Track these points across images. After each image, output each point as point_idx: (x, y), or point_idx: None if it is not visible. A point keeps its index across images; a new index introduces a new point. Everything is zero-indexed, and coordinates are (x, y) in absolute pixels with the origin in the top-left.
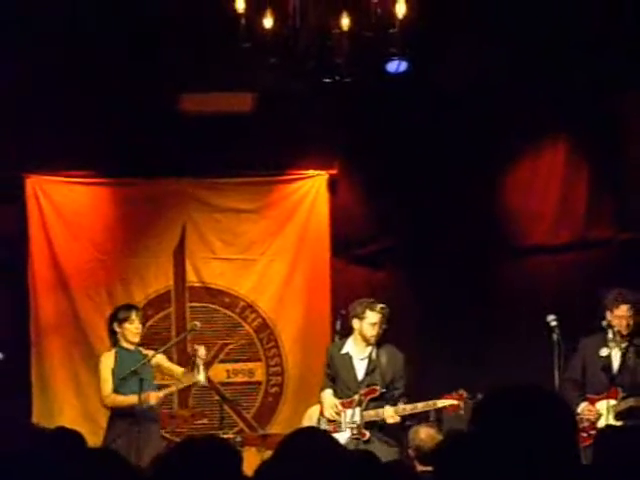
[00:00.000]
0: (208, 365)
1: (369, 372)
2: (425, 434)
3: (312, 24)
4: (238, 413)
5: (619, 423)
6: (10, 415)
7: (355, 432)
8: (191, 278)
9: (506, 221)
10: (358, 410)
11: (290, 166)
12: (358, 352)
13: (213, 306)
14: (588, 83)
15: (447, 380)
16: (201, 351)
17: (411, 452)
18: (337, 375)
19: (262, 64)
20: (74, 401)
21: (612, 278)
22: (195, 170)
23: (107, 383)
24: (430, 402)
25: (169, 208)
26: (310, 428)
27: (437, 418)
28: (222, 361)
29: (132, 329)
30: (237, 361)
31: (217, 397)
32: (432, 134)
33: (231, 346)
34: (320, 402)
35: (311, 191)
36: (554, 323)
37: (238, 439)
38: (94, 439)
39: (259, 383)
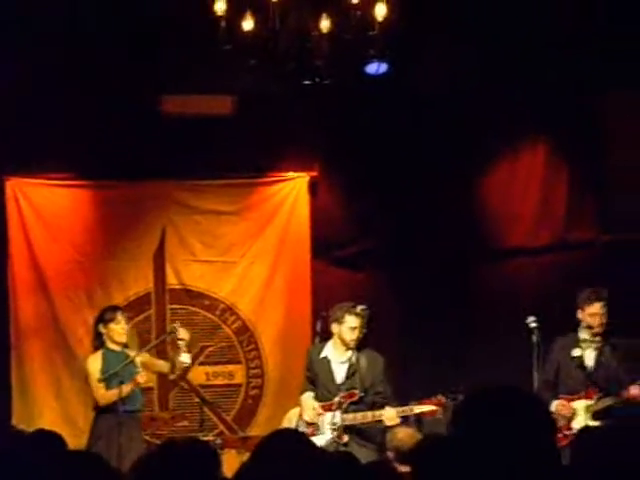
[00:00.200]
0: (194, 362)
1: (349, 376)
2: (404, 434)
3: (292, 26)
4: (218, 415)
5: (596, 423)
6: None
7: (336, 434)
8: (171, 280)
9: (486, 223)
10: (339, 413)
11: (270, 168)
12: (337, 356)
13: (193, 308)
14: (567, 84)
15: (427, 381)
16: (182, 332)
17: (390, 453)
18: (316, 379)
19: (242, 66)
20: (54, 404)
21: (593, 280)
22: (175, 172)
23: (97, 385)
24: (407, 407)
25: (149, 210)
26: (287, 430)
27: (417, 419)
28: (202, 363)
29: (118, 329)
30: (217, 363)
31: (197, 399)
32: (412, 136)
33: (211, 348)
34: (300, 405)
35: (291, 193)
36: (534, 325)
37: (218, 441)
38: (74, 441)
39: (239, 385)
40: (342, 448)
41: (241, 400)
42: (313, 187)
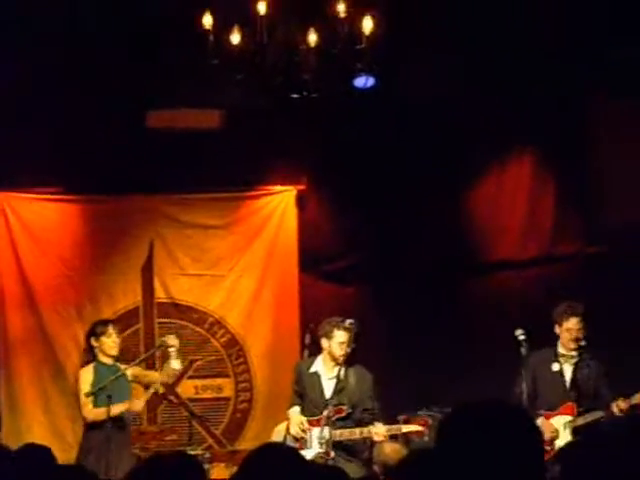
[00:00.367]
0: (181, 376)
1: (337, 392)
2: (390, 449)
3: (279, 40)
4: (207, 429)
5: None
6: None
7: (324, 448)
8: (159, 294)
9: (473, 236)
10: (327, 427)
11: (258, 182)
12: (327, 371)
13: (182, 322)
14: (553, 96)
15: (415, 395)
16: (171, 339)
17: (377, 468)
18: (305, 393)
19: (230, 80)
20: (42, 418)
21: (578, 292)
22: (163, 186)
23: (86, 400)
24: (395, 427)
25: (137, 224)
26: (275, 443)
27: (403, 434)
28: (191, 377)
29: (109, 342)
30: (206, 377)
31: (186, 413)
32: (399, 150)
33: (200, 362)
34: (287, 419)
35: (279, 207)
36: (522, 337)
37: (207, 455)
38: (63, 456)
39: (228, 399)
40: (330, 463)
41: (230, 414)
42: (301, 201)
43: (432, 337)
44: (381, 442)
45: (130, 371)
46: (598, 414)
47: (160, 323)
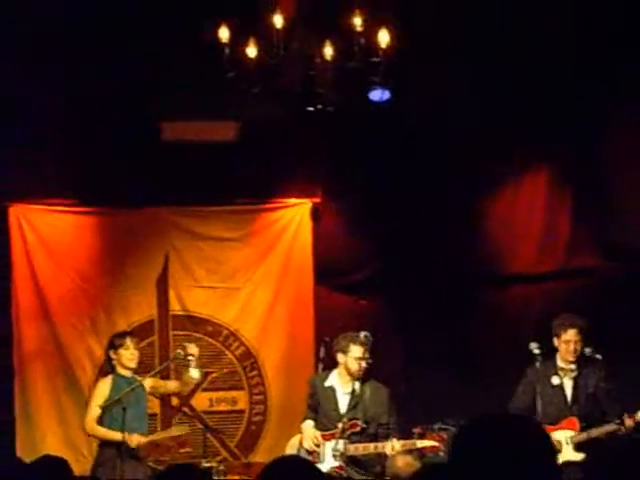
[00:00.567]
0: (197, 386)
1: (351, 407)
2: (403, 462)
3: (296, 53)
4: (221, 442)
5: (580, 455)
6: None
7: (337, 462)
8: (174, 307)
9: (489, 250)
10: (341, 442)
11: (273, 195)
12: (342, 386)
13: (196, 334)
14: (570, 110)
15: (430, 408)
16: (191, 348)
17: None
18: (319, 407)
19: (246, 93)
20: (56, 429)
21: (594, 307)
22: (178, 199)
23: (92, 410)
24: (410, 442)
25: (152, 237)
26: (292, 456)
27: (418, 448)
28: (205, 389)
29: (127, 355)
30: (220, 389)
31: (200, 425)
32: (414, 163)
33: (214, 374)
34: (301, 432)
35: (294, 219)
36: (537, 351)
37: (221, 468)
38: (77, 467)
39: (242, 411)
40: (343, 477)
41: (244, 426)
42: (316, 213)
43: (447, 350)
44: (394, 455)
45: (148, 383)
46: (602, 429)
47: (175, 335)
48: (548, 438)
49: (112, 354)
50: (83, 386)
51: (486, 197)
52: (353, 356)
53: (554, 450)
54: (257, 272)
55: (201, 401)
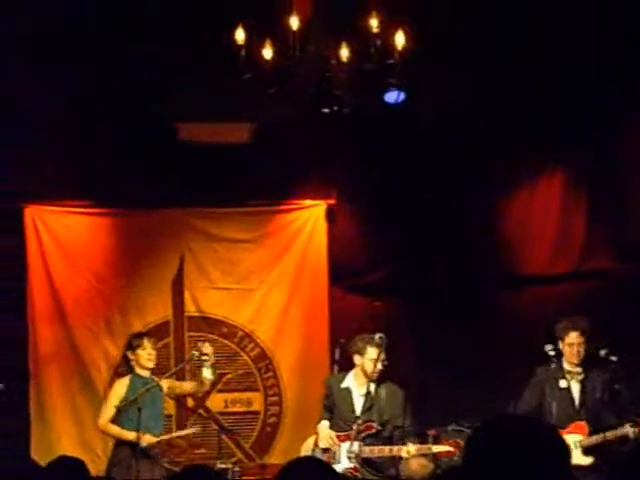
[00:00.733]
0: (213, 387)
1: (367, 409)
2: (416, 464)
3: (311, 55)
4: (236, 443)
5: (588, 459)
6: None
7: (352, 464)
8: (189, 308)
9: (503, 251)
10: (356, 443)
11: (288, 196)
12: (358, 387)
13: (211, 336)
14: (585, 112)
15: (444, 409)
16: (205, 347)
17: None
18: (335, 408)
19: (261, 94)
20: (71, 430)
21: (608, 309)
22: (194, 200)
23: (108, 409)
24: (425, 446)
25: (167, 238)
26: (308, 458)
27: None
28: (220, 391)
29: (145, 355)
30: (235, 391)
31: (215, 427)
32: (429, 165)
33: (229, 376)
34: (316, 433)
35: (309, 221)
36: (551, 353)
37: (236, 469)
38: (92, 467)
39: (257, 413)
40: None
41: (259, 428)
42: (330, 215)
43: (462, 351)
44: (408, 457)
45: (165, 385)
46: (613, 433)
47: (190, 337)
48: (562, 441)
49: (130, 355)
50: (98, 387)
51: (501, 199)
52: (369, 358)
53: (568, 453)
54: (272, 273)
55: (216, 402)
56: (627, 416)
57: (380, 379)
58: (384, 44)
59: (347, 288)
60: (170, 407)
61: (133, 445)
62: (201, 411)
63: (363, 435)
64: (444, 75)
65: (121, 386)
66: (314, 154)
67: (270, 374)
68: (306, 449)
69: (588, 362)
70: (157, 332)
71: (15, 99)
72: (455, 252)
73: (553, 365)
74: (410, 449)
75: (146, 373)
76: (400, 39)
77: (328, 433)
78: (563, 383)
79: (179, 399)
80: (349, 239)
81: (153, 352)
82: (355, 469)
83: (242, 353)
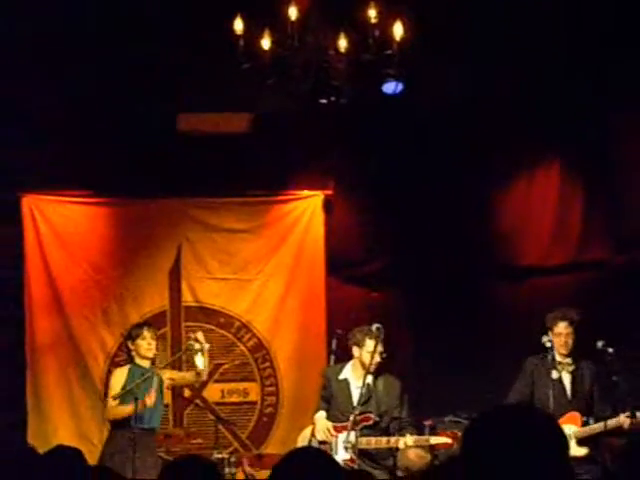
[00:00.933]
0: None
1: (365, 400)
2: (414, 454)
3: (310, 45)
4: (233, 433)
5: (583, 449)
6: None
7: (349, 454)
8: (187, 298)
9: (501, 242)
10: (353, 434)
11: (286, 186)
12: (356, 379)
13: (208, 326)
14: (581, 104)
15: (441, 400)
16: (198, 336)
17: (400, 473)
18: (332, 399)
19: (259, 85)
20: (68, 421)
21: (606, 300)
22: (191, 190)
23: (110, 401)
24: (423, 438)
25: (165, 228)
26: (309, 448)
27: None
28: (217, 381)
29: (144, 345)
30: (232, 381)
31: (212, 417)
32: (427, 155)
33: (226, 366)
34: (313, 423)
35: (307, 211)
36: (549, 344)
37: (233, 459)
38: (89, 458)
39: (254, 403)
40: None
41: (256, 418)
42: (328, 205)
43: (459, 342)
44: (406, 448)
45: (166, 375)
46: (605, 425)
47: (187, 327)
48: (561, 431)
49: (130, 345)
50: (95, 377)
51: (498, 190)
52: (368, 350)
53: (567, 443)
54: (269, 264)
55: (213, 392)
56: (623, 408)
57: (378, 371)
58: (382, 35)
59: (344, 279)
60: (167, 397)
61: (129, 435)
62: (198, 401)
63: (360, 426)
64: (442, 66)
65: (120, 376)
66: (312, 144)
67: (267, 364)
68: (303, 439)
69: (579, 353)
70: (154, 322)
71: (15, 99)
72: (453, 243)
73: (545, 356)
74: (407, 440)
75: (146, 363)
76: (398, 30)
77: (325, 424)
78: (554, 374)
79: (175, 389)
80: (346, 230)
81: (153, 342)
82: (352, 460)
83: (239, 343)
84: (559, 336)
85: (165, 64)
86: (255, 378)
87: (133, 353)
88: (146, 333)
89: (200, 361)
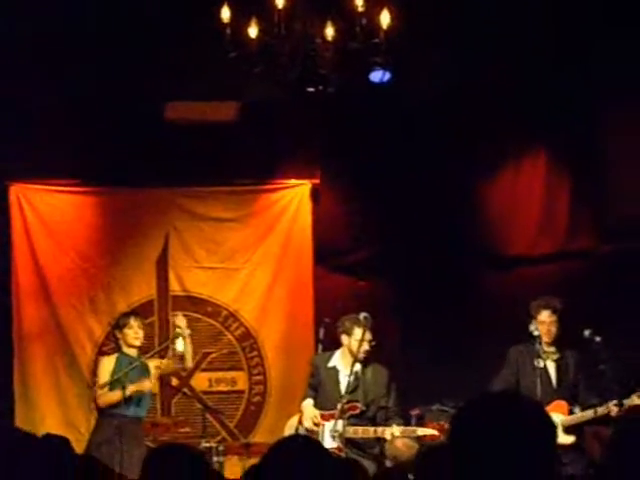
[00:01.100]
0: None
1: (352, 389)
2: (402, 444)
3: (297, 34)
4: (220, 422)
5: (570, 438)
6: None
7: (337, 442)
8: (174, 287)
9: (488, 232)
10: (340, 422)
11: (273, 175)
12: (345, 367)
13: (196, 315)
14: (568, 94)
15: (428, 389)
16: (178, 319)
17: (388, 463)
18: (320, 387)
19: (247, 73)
20: (56, 409)
21: (592, 289)
22: (179, 179)
23: (99, 390)
24: (410, 428)
25: (152, 217)
26: (298, 436)
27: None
28: (204, 370)
29: (131, 334)
30: (219, 370)
31: (199, 405)
32: (415, 145)
33: (214, 355)
34: (300, 411)
35: (294, 200)
36: (537, 333)
37: (220, 448)
38: (76, 446)
39: (242, 392)
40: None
41: (243, 407)
42: (315, 194)
43: (446, 331)
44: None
45: (154, 363)
46: (592, 413)
47: (174, 316)
48: (549, 417)
49: (117, 333)
50: (82, 366)
51: (485, 179)
52: (357, 338)
53: (555, 430)
54: (256, 253)
55: (200, 381)
56: (611, 396)
57: (367, 360)
58: (369, 23)
59: (331, 268)
60: (154, 386)
61: (116, 424)
62: (185, 390)
63: (347, 415)
64: (429, 55)
65: (108, 364)
66: (299, 133)
67: (254, 353)
68: (290, 428)
69: (566, 342)
70: (142, 311)
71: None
72: (439, 232)
73: (532, 344)
74: (394, 431)
75: (133, 352)
76: (385, 18)
77: (312, 411)
78: (540, 362)
79: (163, 378)
80: (333, 218)
81: (140, 331)
82: (339, 448)
83: (226, 332)
84: (542, 324)
85: (152, 52)
86: (243, 367)
87: (120, 342)
88: (133, 322)
89: (180, 344)
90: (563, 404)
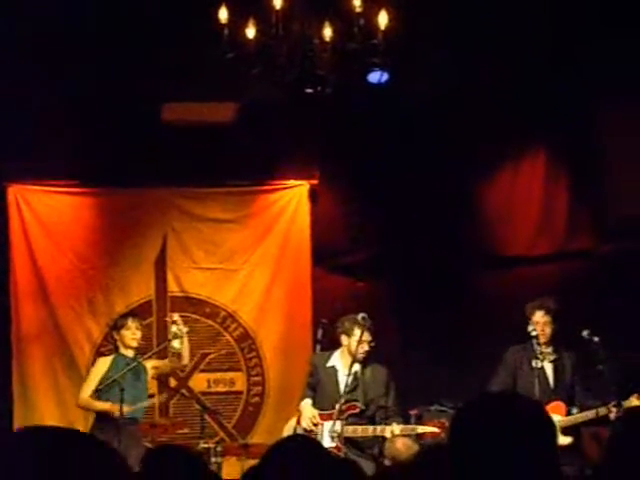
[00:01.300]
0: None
1: (351, 389)
2: (401, 444)
3: (294, 34)
4: (219, 422)
5: (567, 439)
6: None
7: (335, 442)
8: (172, 288)
9: (486, 232)
10: (339, 422)
11: (271, 176)
12: (344, 367)
13: (194, 316)
14: (566, 93)
15: (427, 389)
16: (174, 316)
17: (387, 462)
18: (319, 387)
19: (244, 74)
20: (54, 410)
21: (591, 289)
22: (177, 180)
23: (88, 386)
24: (410, 427)
25: (151, 217)
26: (299, 436)
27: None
28: (203, 370)
29: (128, 335)
30: (218, 370)
31: (198, 406)
32: (413, 146)
33: (212, 356)
34: (299, 411)
35: (292, 201)
36: (535, 333)
37: (219, 448)
38: None
39: (240, 393)
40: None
41: (242, 407)
42: (313, 195)
43: (445, 332)
44: (392, 437)
45: (150, 364)
46: (590, 414)
47: (170, 317)
48: (549, 417)
49: (115, 334)
50: (81, 367)
51: (484, 180)
52: (356, 339)
53: (555, 430)
54: (255, 254)
55: (199, 382)
56: (609, 397)
57: (366, 360)
58: (367, 24)
59: (330, 268)
60: (153, 387)
61: (115, 425)
62: (184, 391)
63: (346, 415)
64: (427, 56)
65: (103, 364)
66: (297, 134)
67: (253, 354)
68: (289, 429)
69: (564, 343)
70: (140, 312)
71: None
72: (438, 233)
73: (530, 345)
74: (394, 429)
75: (130, 353)
76: (383, 19)
77: (311, 411)
78: (537, 363)
79: (161, 379)
80: (332, 219)
81: (137, 332)
82: (338, 448)
83: (225, 333)
84: (536, 325)
85: (150, 54)
86: (241, 368)
87: (118, 343)
88: (130, 323)
89: (177, 342)
90: (561, 405)
